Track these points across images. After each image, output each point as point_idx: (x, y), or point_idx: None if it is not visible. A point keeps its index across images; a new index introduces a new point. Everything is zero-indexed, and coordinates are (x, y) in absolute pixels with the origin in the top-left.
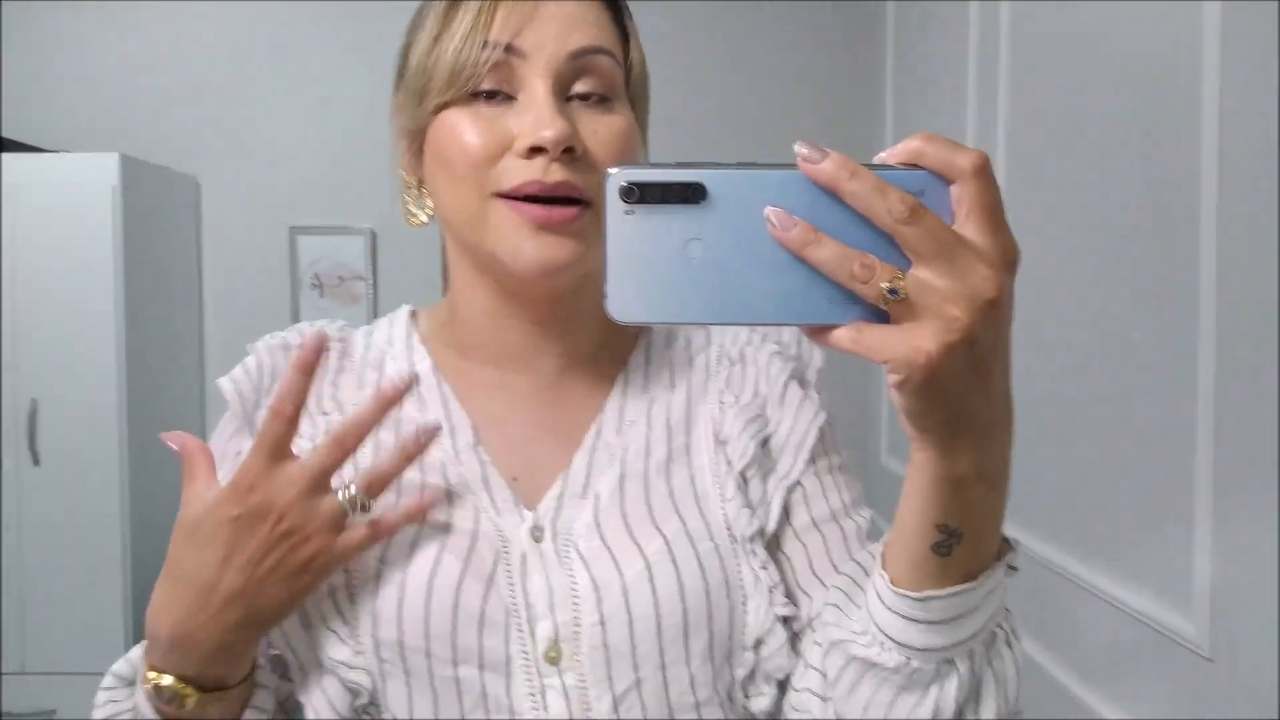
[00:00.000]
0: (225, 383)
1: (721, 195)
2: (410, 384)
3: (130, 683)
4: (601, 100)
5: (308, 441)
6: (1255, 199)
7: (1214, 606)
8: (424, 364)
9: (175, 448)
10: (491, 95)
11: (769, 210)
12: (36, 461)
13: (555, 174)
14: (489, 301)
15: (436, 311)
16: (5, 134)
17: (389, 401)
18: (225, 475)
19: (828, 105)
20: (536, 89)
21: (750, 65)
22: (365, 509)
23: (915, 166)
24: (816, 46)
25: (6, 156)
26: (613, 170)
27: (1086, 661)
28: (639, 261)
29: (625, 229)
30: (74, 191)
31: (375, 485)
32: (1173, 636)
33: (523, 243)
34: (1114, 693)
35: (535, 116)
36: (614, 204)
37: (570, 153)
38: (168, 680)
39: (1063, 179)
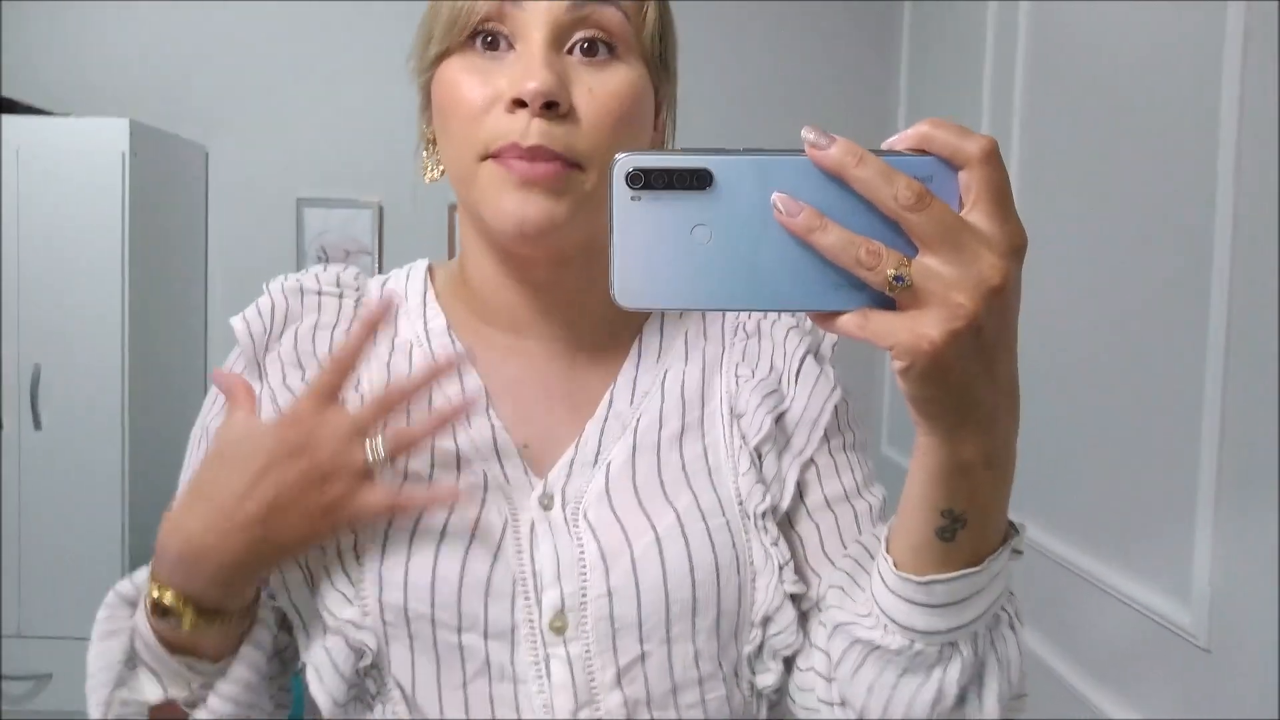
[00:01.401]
0: (237, 321)
1: (728, 181)
2: (457, 362)
3: (132, 602)
4: (603, 55)
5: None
6: (1270, 202)
7: (1213, 599)
8: (437, 321)
9: (222, 386)
10: (492, 45)
11: (776, 196)
12: (38, 425)
13: (534, 135)
14: (490, 264)
15: (452, 269)
16: (14, 96)
17: (439, 372)
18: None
19: (842, 106)
20: (532, 38)
21: (764, 65)
22: (389, 463)
23: (923, 152)
24: (832, 47)
25: (15, 119)
26: (619, 155)
27: (1085, 651)
28: (645, 247)
29: (631, 215)
30: (83, 156)
31: (400, 445)
32: (1171, 628)
33: (503, 199)
34: (1112, 682)
35: (524, 67)
36: (620, 189)
37: (554, 108)
38: (169, 596)
39: (1077, 180)
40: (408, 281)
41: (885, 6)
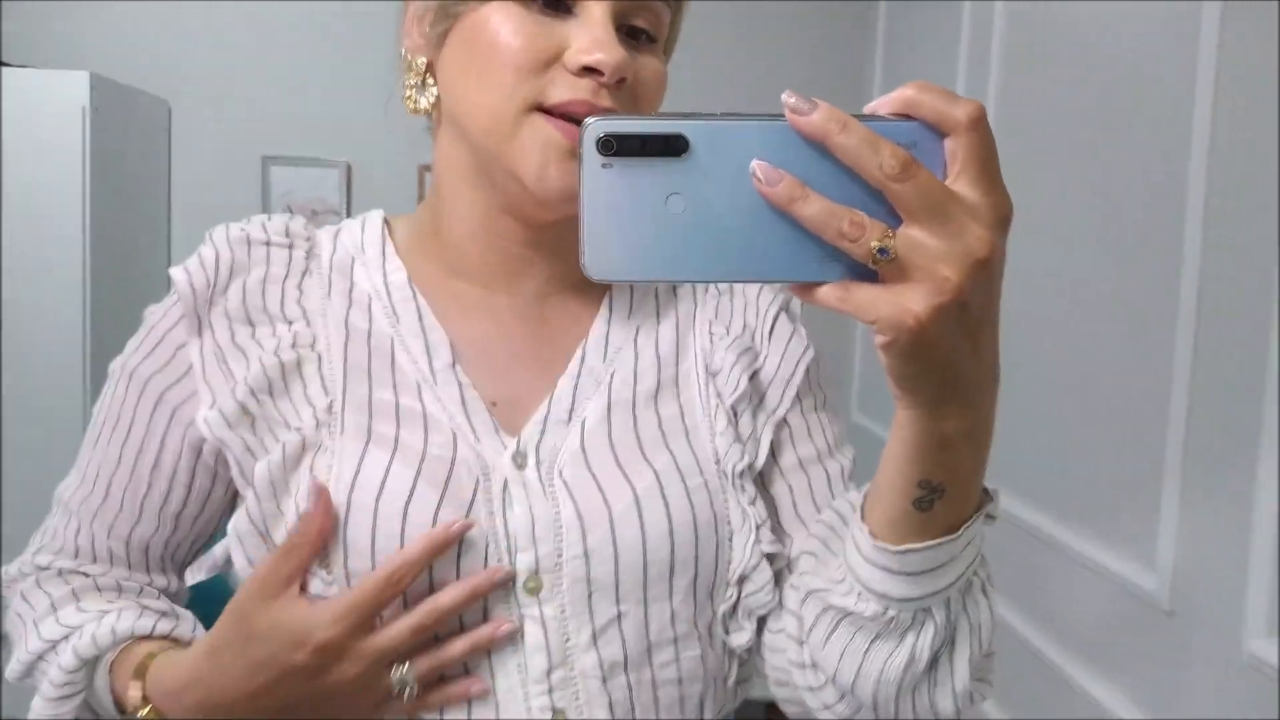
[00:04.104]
0: (178, 272)
1: (704, 148)
2: (462, 529)
3: (86, 661)
4: (650, 41)
5: (270, 353)
6: (1241, 182)
7: (1175, 565)
8: (398, 275)
9: (300, 536)
10: (554, 4)
11: (754, 164)
12: None
13: (605, 100)
14: (480, 215)
15: (417, 221)
16: None
17: (440, 546)
18: (158, 356)
19: None
20: (595, 11)
21: (738, 65)
22: (412, 696)
23: (908, 117)
24: (807, 46)
25: None
26: (589, 120)
27: (1054, 616)
28: (617, 217)
29: (602, 183)
30: (41, 109)
31: (430, 671)
32: (1137, 593)
33: (550, 166)
34: (1078, 644)
35: (595, 38)
36: (590, 156)
37: (622, 84)
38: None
39: (1053, 174)
40: (363, 233)
41: (861, 6)
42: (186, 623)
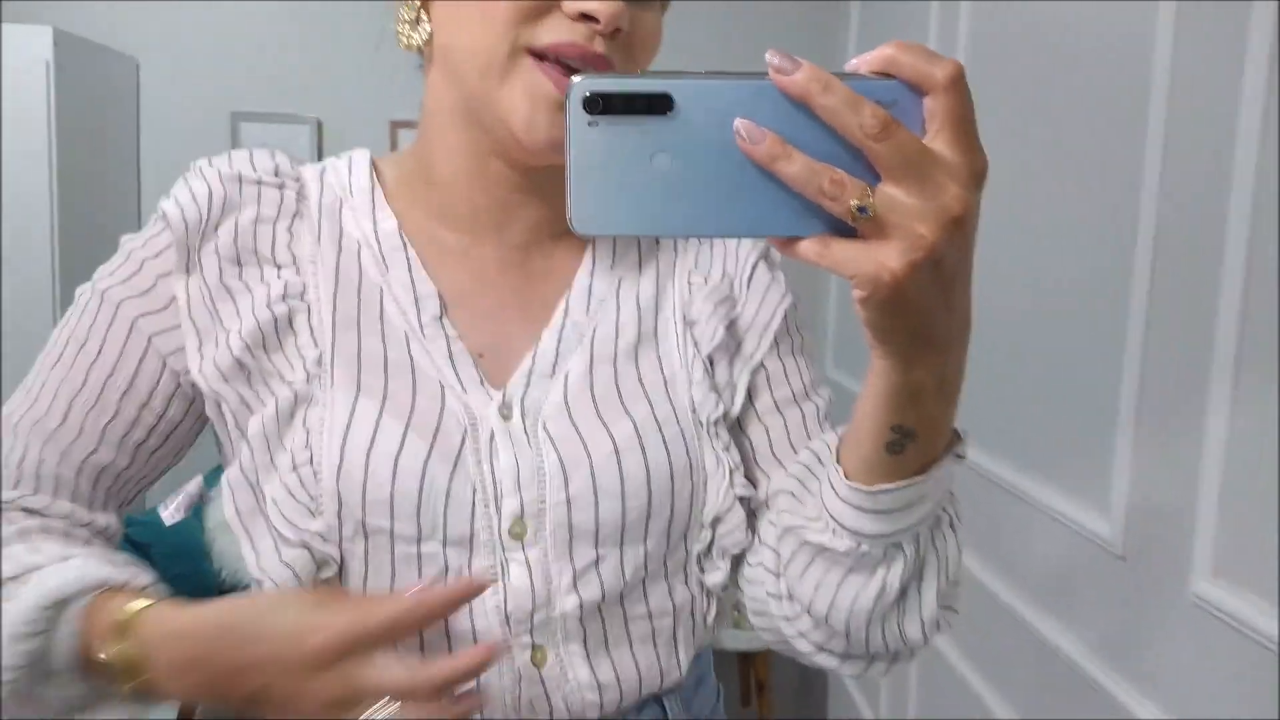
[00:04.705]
0: (169, 205)
1: (689, 106)
2: (464, 592)
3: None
4: None
5: (262, 304)
6: (1198, 132)
7: (1129, 512)
8: (388, 224)
9: (418, 610)
10: None
11: (738, 123)
12: None
13: (599, 47)
14: (469, 157)
15: (403, 164)
16: None
17: (433, 612)
18: (137, 283)
19: None
20: None
21: (713, 64)
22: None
23: (888, 76)
24: (781, 45)
25: None
26: (575, 79)
27: (1010, 561)
28: (603, 174)
29: (588, 140)
30: (3, 66)
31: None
32: (1092, 539)
33: (539, 115)
34: (1033, 589)
35: None
36: (576, 114)
37: (617, 35)
38: (132, 654)
39: (1015, 152)
40: (350, 175)
41: (833, 6)
42: (147, 577)
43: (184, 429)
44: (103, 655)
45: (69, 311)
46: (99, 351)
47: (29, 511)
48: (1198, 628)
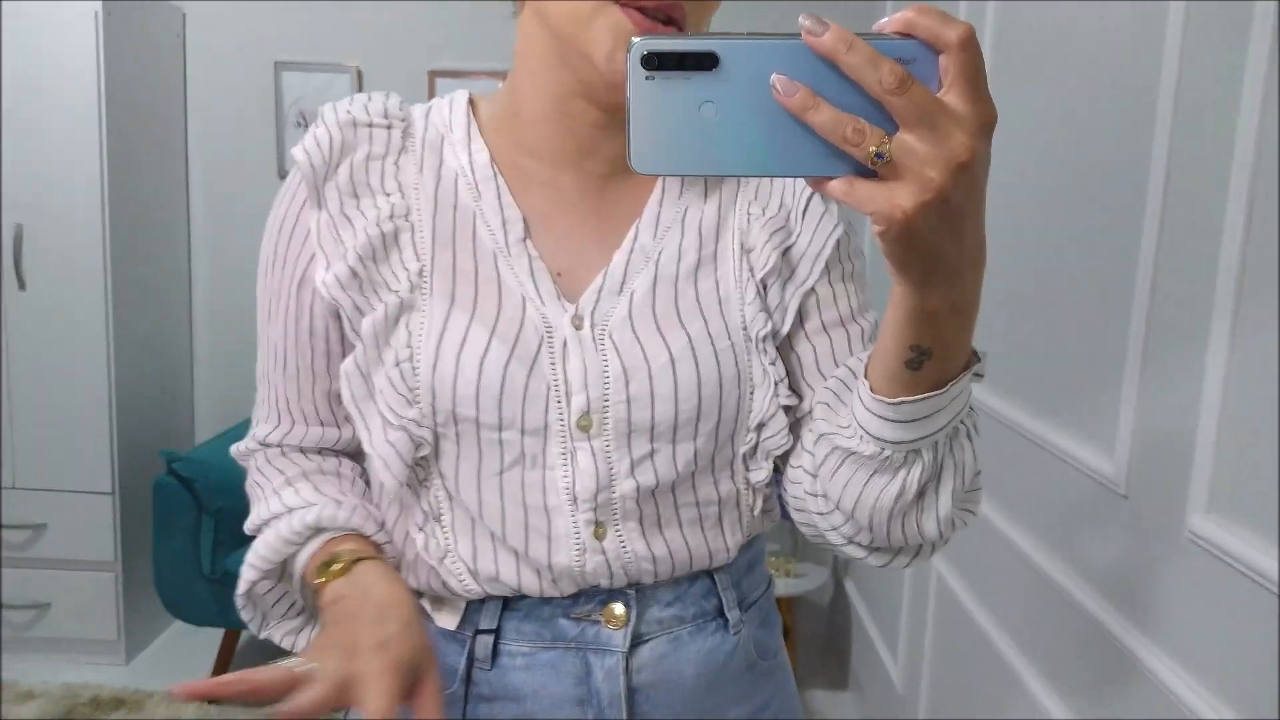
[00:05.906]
0: (299, 153)
1: (732, 63)
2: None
3: (313, 531)
4: None
5: (373, 223)
6: (1206, 87)
7: (1133, 449)
8: (481, 155)
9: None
10: None
11: (774, 77)
12: (23, 286)
13: None
14: (555, 97)
15: (496, 102)
16: None
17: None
18: (292, 232)
19: None
20: None
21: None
22: None
23: (908, 36)
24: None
25: None
26: (635, 39)
27: (1018, 499)
28: (657, 121)
29: (646, 93)
30: (54, 17)
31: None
32: (1097, 478)
33: (619, 50)
34: (1039, 527)
35: None
36: (635, 70)
37: None
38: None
39: (1035, 115)
40: (450, 113)
41: (866, 7)
42: (373, 523)
43: (347, 342)
44: (309, 578)
45: (259, 273)
46: (286, 307)
47: (302, 451)
48: (1191, 562)
